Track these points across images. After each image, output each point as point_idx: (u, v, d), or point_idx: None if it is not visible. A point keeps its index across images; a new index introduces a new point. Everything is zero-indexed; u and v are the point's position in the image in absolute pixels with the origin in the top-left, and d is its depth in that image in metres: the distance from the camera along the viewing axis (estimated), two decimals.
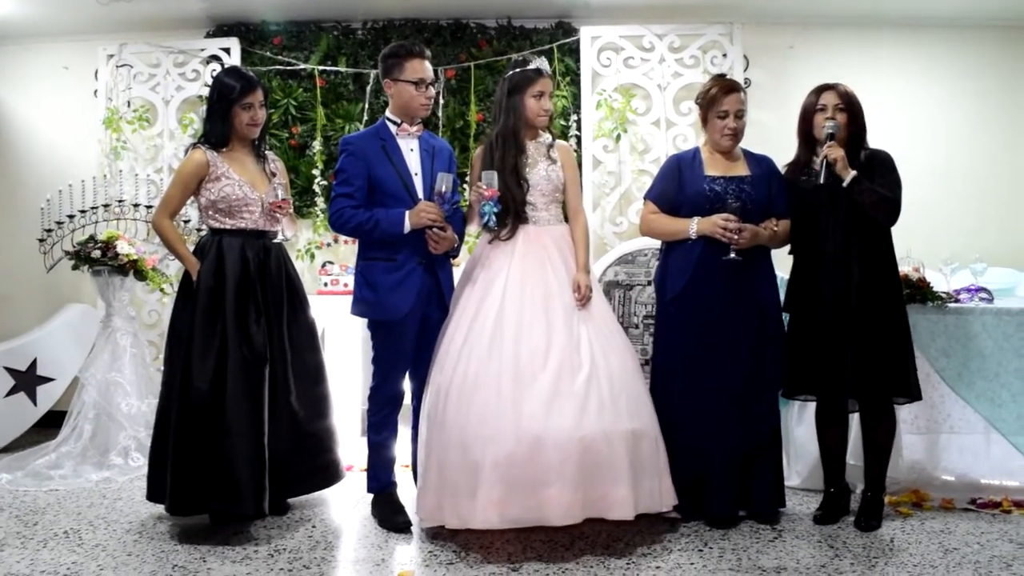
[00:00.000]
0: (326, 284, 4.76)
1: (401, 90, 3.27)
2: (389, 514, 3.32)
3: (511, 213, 3.22)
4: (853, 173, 3.14)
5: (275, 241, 3.44)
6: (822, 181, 3.16)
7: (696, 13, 4.95)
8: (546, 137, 3.37)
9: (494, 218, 3.17)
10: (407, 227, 3.17)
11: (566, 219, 3.39)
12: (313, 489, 3.54)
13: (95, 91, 5.14)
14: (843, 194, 3.16)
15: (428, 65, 3.29)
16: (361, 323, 4.17)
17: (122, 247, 4.32)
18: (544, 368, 2.99)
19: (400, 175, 3.26)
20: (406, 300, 3.21)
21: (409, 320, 3.24)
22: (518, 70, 3.26)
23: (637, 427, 3.02)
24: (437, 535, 3.15)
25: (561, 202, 3.37)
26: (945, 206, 4.97)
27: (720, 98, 3.28)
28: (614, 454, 2.92)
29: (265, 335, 3.28)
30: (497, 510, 2.87)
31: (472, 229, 3.47)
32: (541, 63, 3.29)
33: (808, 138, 3.32)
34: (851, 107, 3.23)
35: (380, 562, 2.97)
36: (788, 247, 3.40)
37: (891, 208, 3.18)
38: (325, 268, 4.87)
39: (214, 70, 4.93)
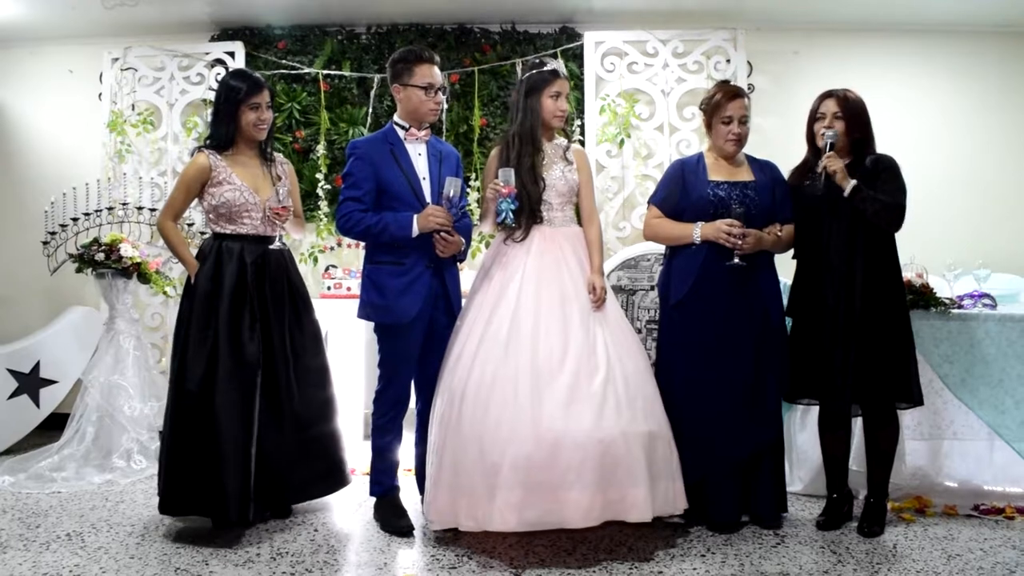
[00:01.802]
0: (329, 288, 4.76)
1: (410, 95, 3.28)
2: (392, 518, 3.32)
3: (525, 212, 3.22)
4: (853, 183, 3.14)
5: (271, 247, 3.39)
6: (820, 192, 3.17)
7: (700, 19, 4.97)
8: (562, 140, 3.39)
9: (511, 215, 3.18)
10: (415, 231, 3.18)
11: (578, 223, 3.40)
12: (321, 494, 3.53)
13: (99, 94, 5.15)
14: (846, 199, 3.16)
15: (437, 70, 3.30)
16: (365, 326, 4.18)
17: (126, 250, 4.33)
18: (561, 370, 2.99)
19: (408, 179, 3.27)
20: (414, 304, 3.21)
21: (416, 324, 3.24)
22: (535, 71, 3.28)
23: (653, 429, 3.02)
24: (440, 539, 3.15)
25: (575, 204, 3.38)
26: (949, 212, 4.98)
27: (724, 104, 3.29)
28: (632, 456, 2.91)
29: (259, 342, 3.28)
30: (516, 512, 2.86)
31: (485, 230, 3.46)
32: (558, 64, 3.32)
33: (814, 143, 3.33)
34: (850, 114, 3.23)
35: (383, 566, 2.97)
36: (793, 251, 3.40)
37: (893, 215, 3.18)
38: (328, 272, 4.86)
39: (218, 74, 4.94)
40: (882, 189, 3.16)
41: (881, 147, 3.34)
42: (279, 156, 3.55)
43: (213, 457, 3.14)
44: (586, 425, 2.89)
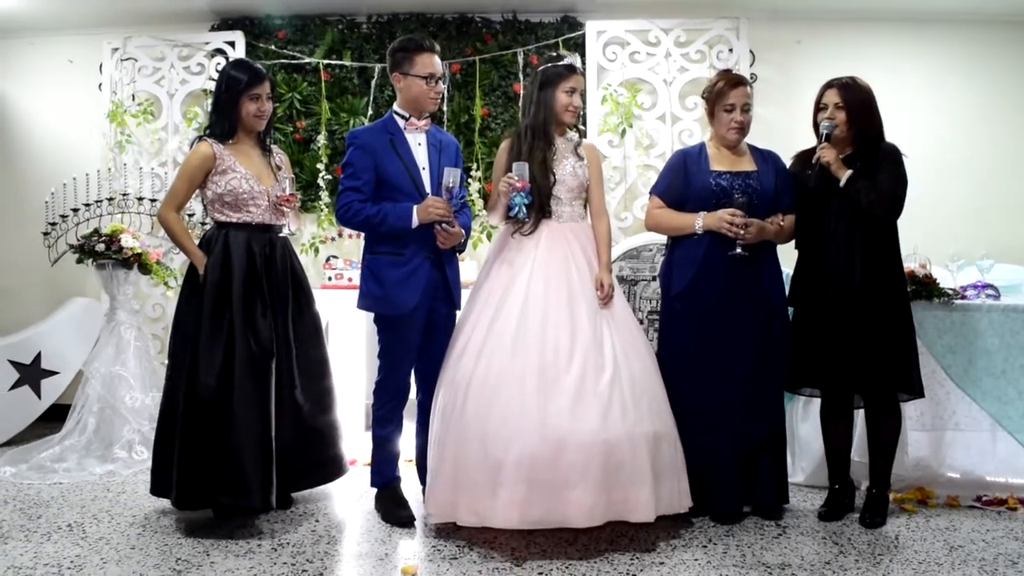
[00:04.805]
0: (330, 278, 4.76)
1: (411, 84, 3.26)
2: (393, 509, 3.31)
3: (535, 206, 3.19)
4: (848, 173, 3.12)
5: (280, 235, 3.43)
6: (812, 184, 3.16)
7: (702, 8, 4.94)
8: (573, 135, 3.37)
9: (524, 209, 3.15)
10: (415, 222, 3.17)
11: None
12: (317, 483, 3.54)
13: (99, 84, 5.15)
14: (844, 190, 3.15)
15: (438, 60, 3.28)
16: (365, 317, 4.18)
17: (126, 240, 4.33)
18: (568, 368, 2.96)
19: (408, 169, 3.25)
20: (413, 294, 3.20)
21: (415, 314, 3.23)
22: (550, 64, 3.25)
23: (659, 429, 3.01)
24: (440, 530, 3.15)
25: (584, 200, 3.35)
26: (952, 202, 4.96)
27: (726, 92, 3.27)
28: (637, 457, 2.90)
29: (271, 329, 3.27)
30: (519, 510, 2.84)
31: (492, 222, 3.44)
32: (574, 59, 3.29)
33: (818, 132, 3.30)
34: (851, 104, 3.20)
35: (383, 557, 2.97)
36: (795, 241, 3.38)
37: (888, 206, 3.15)
38: (329, 262, 4.86)
39: (218, 64, 4.93)
40: (880, 179, 3.14)
41: (886, 136, 3.32)
42: (275, 147, 3.54)
43: (234, 446, 3.11)
44: (592, 425, 2.87)
